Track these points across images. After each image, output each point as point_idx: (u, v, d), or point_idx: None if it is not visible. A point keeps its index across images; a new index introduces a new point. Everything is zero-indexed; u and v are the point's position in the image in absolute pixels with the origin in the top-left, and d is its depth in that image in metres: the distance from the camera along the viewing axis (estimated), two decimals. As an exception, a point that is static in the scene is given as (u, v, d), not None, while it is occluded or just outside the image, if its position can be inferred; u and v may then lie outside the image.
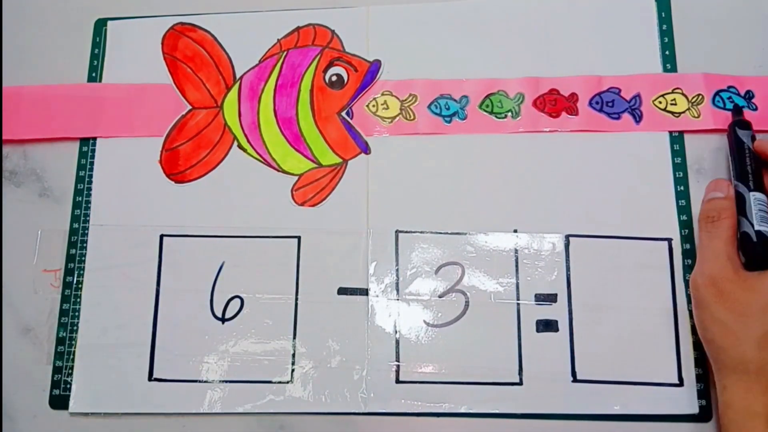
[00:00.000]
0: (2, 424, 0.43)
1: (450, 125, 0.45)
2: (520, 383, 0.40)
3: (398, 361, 0.41)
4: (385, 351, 0.41)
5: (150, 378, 0.42)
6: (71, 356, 0.43)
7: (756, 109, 0.43)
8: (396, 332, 0.42)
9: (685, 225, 0.42)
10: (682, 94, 0.44)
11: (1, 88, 0.48)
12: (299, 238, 0.44)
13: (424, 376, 0.41)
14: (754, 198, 0.37)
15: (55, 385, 0.43)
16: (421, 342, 0.41)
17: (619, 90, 0.44)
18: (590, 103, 0.44)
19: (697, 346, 0.40)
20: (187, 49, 0.48)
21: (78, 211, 0.46)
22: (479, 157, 0.44)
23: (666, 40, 0.45)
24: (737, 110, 0.42)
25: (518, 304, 0.41)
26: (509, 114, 0.45)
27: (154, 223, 0.45)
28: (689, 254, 0.42)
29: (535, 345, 0.41)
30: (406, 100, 0.45)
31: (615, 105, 0.44)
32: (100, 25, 0.49)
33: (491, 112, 0.45)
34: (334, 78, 0.47)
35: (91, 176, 0.46)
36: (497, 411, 0.40)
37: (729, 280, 0.34)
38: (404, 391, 0.41)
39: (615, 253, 0.42)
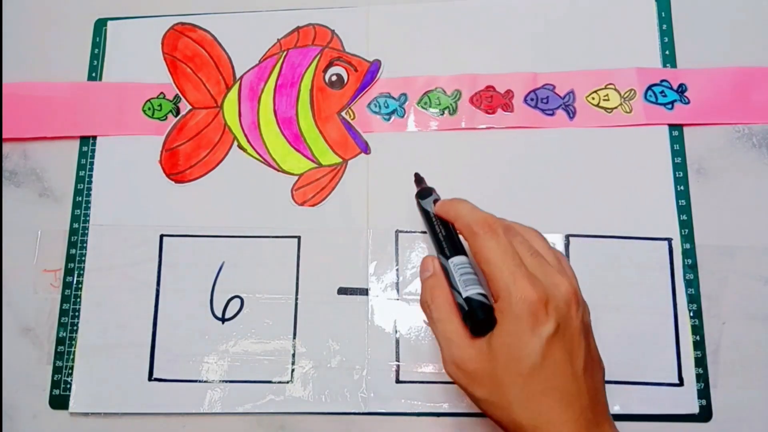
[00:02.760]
0: (2, 424, 0.43)
1: (390, 123, 0.45)
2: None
3: (398, 361, 0.41)
4: (385, 351, 0.41)
5: (150, 378, 0.42)
6: (71, 356, 0.43)
7: (688, 102, 0.44)
8: (396, 332, 0.42)
9: (685, 225, 0.42)
10: (615, 89, 0.44)
11: (1, 88, 0.48)
12: (299, 238, 0.44)
13: (424, 376, 0.41)
14: (453, 264, 0.34)
15: (55, 385, 0.43)
16: (421, 342, 0.41)
17: (554, 87, 0.45)
18: (525, 100, 0.45)
19: (697, 346, 0.40)
20: (187, 49, 0.48)
21: (78, 211, 0.46)
22: (479, 157, 0.44)
23: (666, 39, 0.45)
24: (418, 180, 0.40)
25: (518, 304, 0.41)
26: (446, 111, 0.45)
27: (154, 223, 0.45)
28: (689, 254, 0.42)
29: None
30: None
31: (549, 101, 0.44)
32: (100, 25, 0.49)
33: (428, 109, 0.45)
34: (334, 78, 0.47)
35: (91, 176, 0.46)
36: (497, 411, 0.40)
37: (469, 359, 0.32)
38: (404, 391, 0.41)
39: (615, 253, 0.42)
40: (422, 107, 0.45)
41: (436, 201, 0.38)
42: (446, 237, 0.36)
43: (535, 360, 0.30)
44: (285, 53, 0.47)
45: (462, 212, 0.35)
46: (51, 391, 0.43)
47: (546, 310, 0.31)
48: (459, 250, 0.35)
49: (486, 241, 0.33)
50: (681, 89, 0.44)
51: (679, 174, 0.43)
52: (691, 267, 0.41)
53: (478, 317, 0.32)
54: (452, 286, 0.34)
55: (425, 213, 0.38)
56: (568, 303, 0.32)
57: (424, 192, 0.39)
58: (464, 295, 0.33)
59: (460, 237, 0.36)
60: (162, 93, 0.47)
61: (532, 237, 0.35)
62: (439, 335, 0.33)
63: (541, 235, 0.35)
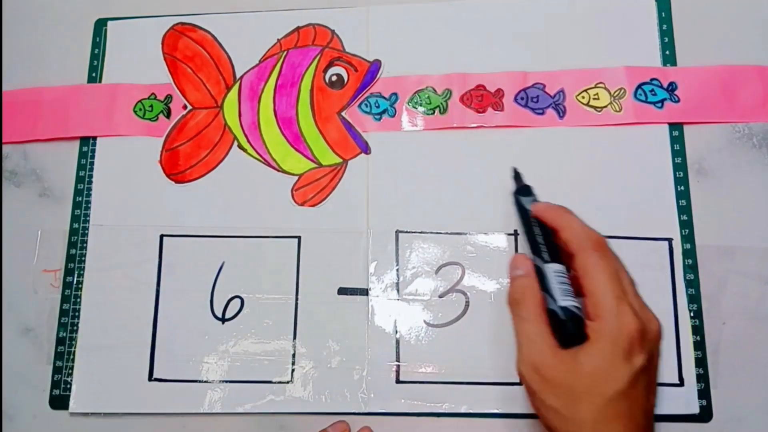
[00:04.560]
0: (2, 424, 0.43)
1: (380, 122, 0.45)
2: (520, 383, 0.40)
3: (398, 361, 0.41)
4: (385, 351, 0.41)
5: (150, 378, 0.42)
6: (71, 356, 0.43)
7: (678, 101, 0.44)
8: (396, 332, 0.42)
9: (685, 225, 0.42)
10: (605, 88, 0.44)
11: (1, 89, 0.49)
12: (299, 238, 0.44)
13: (424, 376, 0.41)
14: (552, 271, 0.34)
15: (55, 385, 0.43)
16: (421, 342, 0.41)
17: (544, 86, 0.45)
18: (515, 99, 0.45)
19: (698, 346, 0.40)
20: (187, 49, 0.48)
21: (78, 211, 0.46)
22: (479, 156, 0.44)
23: (666, 39, 0.45)
24: (517, 176, 0.40)
25: (518, 304, 0.41)
26: (437, 110, 0.45)
27: (154, 223, 0.45)
28: (689, 254, 0.42)
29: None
30: None
31: (540, 101, 0.44)
32: (100, 25, 0.49)
33: (419, 109, 0.45)
34: (334, 78, 0.47)
35: (91, 176, 0.46)
36: (497, 411, 0.40)
37: (549, 366, 0.32)
38: (404, 391, 0.41)
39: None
40: (413, 106, 0.45)
41: (535, 201, 0.38)
42: (546, 241, 0.36)
43: (623, 386, 0.31)
44: (285, 53, 0.47)
45: (573, 224, 0.35)
46: (51, 391, 0.43)
47: (641, 343, 0.31)
48: (558, 257, 0.35)
49: (597, 259, 0.33)
50: (671, 88, 0.44)
51: (679, 174, 0.43)
52: (692, 267, 0.41)
53: (572, 330, 0.32)
54: (545, 290, 0.34)
55: (523, 211, 0.38)
56: (657, 341, 0.33)
57: (523, 190, 0.39)
58: (561, 304, 0.33)
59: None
60: (153, 93, 0.47)
61: (625, 270, 0.35)
62: (523, 335, 0.34)
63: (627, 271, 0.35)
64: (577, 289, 0.34)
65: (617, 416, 0.31)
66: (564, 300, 0.33)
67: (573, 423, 0.31)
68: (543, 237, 0.36)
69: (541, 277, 0.35)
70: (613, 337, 0.31)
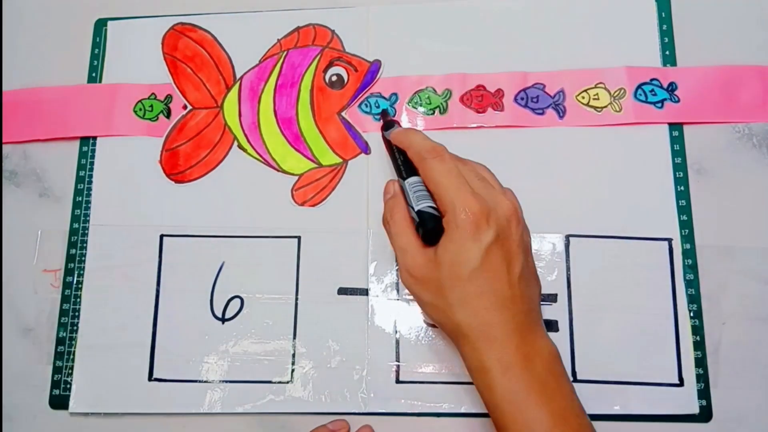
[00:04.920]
0: (2, 424, 0.43)
1: (380, 122, 0.45)
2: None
3: (398, 361, 0.41)
4: (385, 351, 0.41)
5: (150, 378, 0.42)
6: (71, 356, 0.43)
7: (678, 101, 0.44)
8: (396, 332, 0.42)
9: (685, 225, 0.42)
10: (605, 88, 0.44)
11: (1, 89, 0.49)
12: (299, 238, 0.44)
13: (424, 376, 0.41)
14: (408, 184, 0.37)
15: (55, 385, 0.43)
16: (421, 342, 0.41)
17: (544, 86, 0.45)
18: (515, 99, 0.45)
19: (697, 346, 0.40)
20: (187, 49, 0.48)
21: (78, 211, 0.46)
22: (479, 156, 0.44)
23: (666, 39, 0.45)
24: (384, 114, 0.44)
25: (518, 304, 0.41)
26: (437, 110, 0.45)
27: (154, 223, 0.45)
28: (689, 254, 0.42)
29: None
30: None
31: (540, 101, 0.45)
32: (100, 25, 0.49)
33: (419, 109, 0.45)
34: (334, 78, 0.47)
35: (91, 176, 0.46)
36: (497, 411, 0.40)
37: (418, 266, 0.35)
38: (404, 391, 0.41)
39: (615, 253, 0.42)
40: (413, 107, 0.45)
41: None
42: (403, 161, 0.38)
43: (475, 265, 0.33)
44: (285, 53, 0.47)
45: (414, 141, 0.38)
46: (51, 391, 0.43)
47: (487, 222, 0.34)
48: (414, 172, 0.38)
49: (433, 164, 0.36)
50: (671, 88, 0.44)
51: (679, 174, 0.43)
52: (691, 267, 0.41)
53: (428, 226, 0.35)
54: (408, 203, 0.37)
55: (387, 142, 0.41)
56: (508, 218, 0.35)
57: (387, 125, 0.42)
58: (416, 208, 0.36)
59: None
60: (153, 93, 0.47)
61: (481, 169, 0.38)
62: (396, 247, 0.37)
63: (490, 171, 0.38)
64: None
65: (478, 293, 0.33)
66: (419, 204, 0.36)
67: (444, 310, 0.34)
68: (401, 159, 0.39)
69: (405, 195, 0.37)
70: (458, 224, 0.34)
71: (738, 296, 0.41)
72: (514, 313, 0.34)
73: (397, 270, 0.43)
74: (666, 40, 0.45)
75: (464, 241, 0.33)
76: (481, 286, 0.33)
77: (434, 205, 0.36)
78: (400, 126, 0.42)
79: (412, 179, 0.37)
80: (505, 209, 0.35)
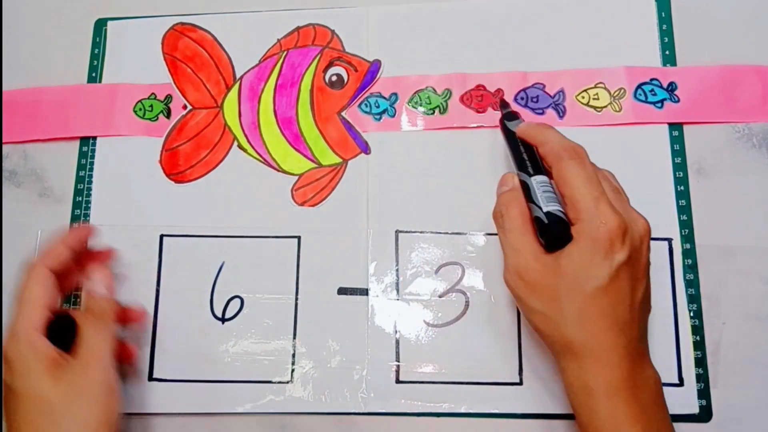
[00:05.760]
0: (2, 423, 0.43)
1: (380, 122, 0.45)
2: (520, 383, 0.40)
3: (398, 361, 0.41)
4: (385, 351, 0.41)
5: (150, 378, 0.42)
6: (71, 356, 0.43)
7: (678, 101, 0.44)
8: (396, 332, 0.42)
9: (685, 225, 0.42)
10: (605, 88, 0.44)
11: (1, 89, 0.49)
12: (299, 238, 0.44)
13: (424, 376, 0.41)
14: (535, 182, 0.35)
15: (55, 385, 0.43)
16: (421, 342, 0.41)
17: (544, 86, 0.45)
18: (515, 99, 0.45)
19: (697, 346, 0.40)
20: (187, 49, 0.48)
21: (78, 211, 0.46)
22: (479, 156, 0.44)
23: (666, 39, 0.45)
24: (503, 104, 0.42)
25: (518, 304, 0.41)
26: (437, 110, 0.45)
27: (154, 223, 0.45)
28: (689, 254, 0.42)
29: (535, 345, 0.41)
30: None
31: (539, 100, 0.45)
32: (100, 25, 0.49)
33: (419, 109, 0.45)
34: (334, 78, 0.47)
35: (91, 176, 0.46)
36: (497, 411, 0.40)
37: (532, 270, 0.33)
38: (404, 391, 0.41)
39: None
40: (413, 106, 0.45)
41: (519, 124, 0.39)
42: (530, 157, 0.37)
43: (602, 283, 0.31)
44: (285, 53, 0.47)
45: (550, 138, 0.36)
46: (51, 391, 0.43)
47: (622, 239, 0.32)
48: (542, 170, 0.36)
49: (572, 166, 0.34)
50: (671, 88, 0.44)
51: (679, 174, 0.43)
52: (691, 267, 0.41)
53: (557, 231, 0.33)
54: (531, 201, 0.35)
55: (509, 133, 0.39)
56: (642, 238, 0.33)
57: (509, 115, 0.40)
58: (545, 209, 0.34)
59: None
60: (153, 93, 0.47)
61: (612, 178, 0.36)
62: (507, 245, 0.35)
63: (617, 180, 0.37)
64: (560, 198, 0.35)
65: (599, 313, 0.32)
66: (548, 206, 0.34)
67: (555, 322, 0.32)
68: (527, 153, 0.37)
69: (526, 190, 0.36)
70: (592, 236, 0.32)
71: (738, 296, 0.41)
72: (630, 338, 0.32)
73: (397, 269, 0.43)
74: (666, 40, 0.45)
75: (595, 255, 0.31)
76: (604, 307, 0.32)
77: (563, 210, 0.34)
78: (520, 118, 0.40)
79: (540, 178, 0.35)
80: (641, 228, 0.33)
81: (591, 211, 0.32)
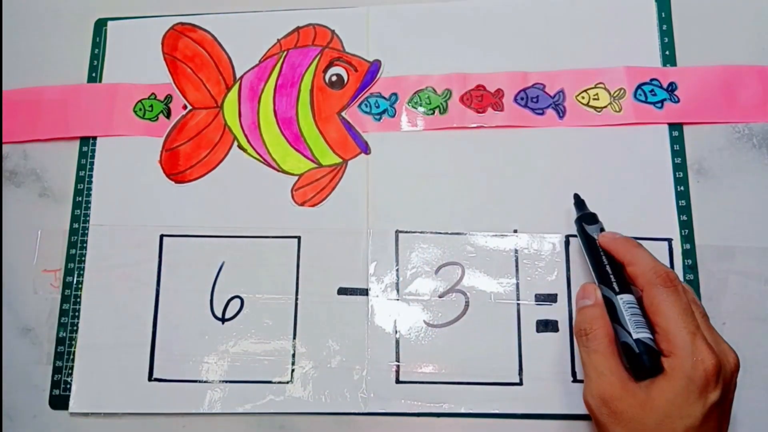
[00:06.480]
0: (2, 424, 0.43)
1: (380, 122, 0.45)
2: (520, 383, 0.40)
3: (398, 361, 0.41)
4: (385, 351, 0.41)
5: (150, 378, 0.42)
6: (71, 356, 0.43)
7: (678, 101, 0.44)
8: (396, 332, 0.42)
9: (685, 225, 0.42)
10: (605, 88, 0.44)
11: (1, 89, 0.49)
12: (299, 238, 0.44)
13: (424, 376, 0.41)
14: (622, 302, 0.34)
15: (55, 385, 0.43)
16: (421, 342, 0.41)
17: (544, 86, 0.45)
18: (515, 99, 0.45)
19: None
20: (187, 49, 0.48)
21: (78, 211, 0.46)
22: (480, 156, 0.44)
23: (666, 40, 0.45)
24: (579, 203, 0.40)
25: (518, 304, 0.41)
26: (437, 110, 0.45)
27: (154, 223, 0.45)
28: (689, 254, 0.42)
29: (535, 345, 0.41)
30: None
31: (539, 101, 0.45)
32: (100, 25, 0.49)
33: (418, 109, 0.45)
34: (334, 78, 0.47)
35: (91, 176, 0.46)
36: (497, 411, 0.40)
37: (619, 399, 0.32)
38: (404, 391, 0.41)
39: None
40: (413, 107, 0.45)
41: (601, 230, 0.38)
42: (615, 271, 0.35)
43: (695, 423, 0.31)
44: (285, 53, 0.47)
45: (641, 259, 0.35)
46: (51, 391, 0.43)
47: (716, 379, 0.31)
48: (628, 287, 0.35)
49: (667, 295, 0.33)
50: (671, 88, 0.44)
51: (679, 174, 0.43)
52: (691, 267, 0.41)
53: (646, 363, 0.32)
54: (616, 321, 0.34)
55: (589, 239, 0.38)
56: (733, 374, 0.32)
57: (588, 217, 0.39)
58: (635, 336, 0.33)
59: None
60: (153, 93, 0.47)
61: (695, 298, 0.35)
62: (591, 366, 0.33)
63: (696, 296, 0.36)
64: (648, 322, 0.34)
65: None
66: (638, 332, 0.33)
67: None
68: (611, 267, 0.36)
69: (610, 307, 0.34)
70: (688, 374, 0.31)
71: (738, 296, 0.41)
72: None
73: (397, 269, 0.43)
74: (666, 40, 0.45)
75: (689, 394, 0.31)
76: None
77: (652, 337, 0.33)
78: (601, 223, 0.38)
79: (628, 297, 0.34)
80: (732, 363, 0.32)
81: (687, 347, 0.31)
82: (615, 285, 0.35)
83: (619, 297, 0.34)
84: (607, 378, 0.32)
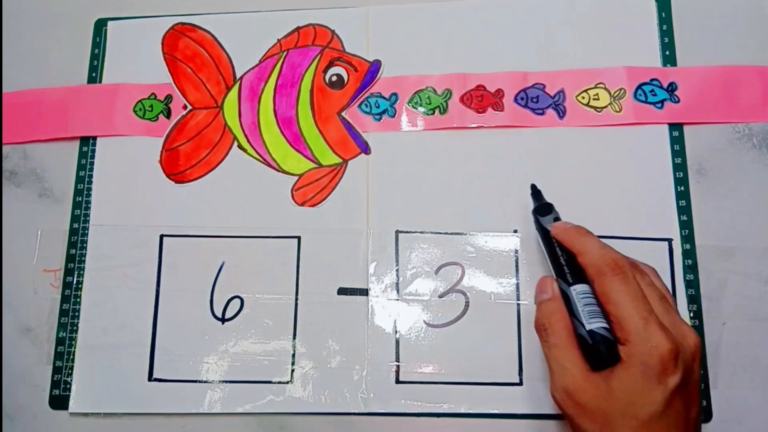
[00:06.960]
0: (2, 424, 0.43)
1: (380, 123, 0.45)
2: (520, 383, 0.40)
3: (398, 362, 0.41)
4: (385, 351, 0.41)
5: (150, 378, 0.42)
6: (71, 356, 0.43)
7: (678, 101, 0.44)
8: (396, 332, 0.42)
9: (685, 225, 0.42)
10: (605, 88, 0.44)
11: (1, 89, 0.49)
12: (299, 238, 0.44)
13: (424, 376, 0.41)
14: (575, 293, 0.33)
15: (55, 385, 0.43)
16: (421, 342, 0.41)
17: (544, 86, 0.45)
18: (515, 99, 0.45)
19: (698, 346, 0.40)
20: (187, 49, 0.48)
21: (78, 211, 0.46)
22: (480, 156, 0.44)
23: (666, 40, 0.45)
24: (536, 193, 0.40)
25: (518, 304, 0.41)
26: (437, 110, 0.45)
27: (154, 223, 0.45)
28: (689, 254, 0.42)
29: (536, 345, 0.41)
30: None
31: (540, 101, 0.45)
32: (100, 25, 0.49)
33: (419, 109, 0.45)
34: (334, 78, 0.47)
35: (91, 176, 0.46)
36: (497, 411, 0.40)
37: (582, 391, 0.32)
38: (404, 391, 0.41)
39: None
40: (413, 107, 0.45)
41: (556, 219, 0.37)
42: (568, 262, 0.35)
43: (656, 409, 0.30)
44: (285, 53, 0.47)
45: (590, 248, 0.34)
46: (51, 391, 0.43)
47: (675, 363, 0.31)
48: (581, 277, 0.34)
49: (616, 284, 0.32)
50: (671, 88, 0.44)
51: (679, 174, 0.43)
52: (691, 267, 0.41)
53: (602, 353, 0.32)
54: (572, 313, 0.34)
55: (543, 231, 0.37)
56: (693, 356, 0.32)
57: (543, 208, 0.38)
58: (588, 327, 0.32)
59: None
60: (153, 93, 0.47)
61: (655, 278, 0.35)
62: (553, 362, 0.33)
63: (658, 275, 0.35)
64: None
65: None
66: (591, 323, 0.33)
67: None
68: (565, 258, 0.35)
69: (567, 300, 0.34)
70: (644, 360, 0.31)
71: (738, 296, 0.41)
72: None
73: (397, 269, 0.43)
74: (666, 40, 0.45)
75: (647, 381, 0.31)
76: (659, 431, 0.31)
77: (607, 326, 0.32)
78: (555, 211, 0.38)
79: (581, 288, 0.34)
80: (692, 345, 0.32)
81: (640, 333, 0.31)
82: (569, 276, 0.34)
83: (572, 288, 0.34)
84: (569, 371, 0.32)
